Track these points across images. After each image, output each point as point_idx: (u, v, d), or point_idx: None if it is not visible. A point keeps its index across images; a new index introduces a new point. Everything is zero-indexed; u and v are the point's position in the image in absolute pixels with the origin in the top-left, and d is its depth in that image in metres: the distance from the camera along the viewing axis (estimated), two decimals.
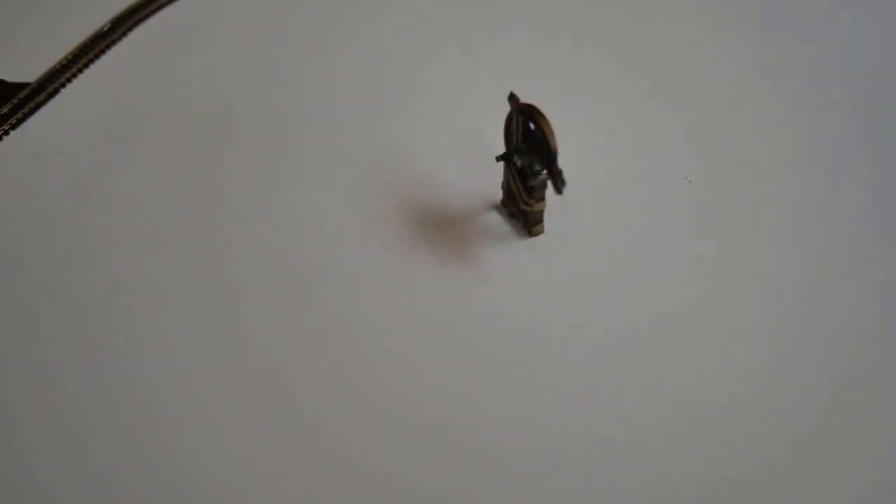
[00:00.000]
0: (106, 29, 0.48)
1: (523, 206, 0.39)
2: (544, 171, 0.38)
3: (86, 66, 0.46)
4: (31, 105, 0.43)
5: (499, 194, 0.41)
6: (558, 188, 0.37)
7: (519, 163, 0.38)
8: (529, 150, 0.38)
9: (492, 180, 0.42)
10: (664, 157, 0.43)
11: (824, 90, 0.46)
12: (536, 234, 0.40)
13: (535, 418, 0.35)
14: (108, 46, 0.47)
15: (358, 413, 0.35)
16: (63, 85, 0.45)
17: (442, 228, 0.40)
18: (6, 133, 0.42)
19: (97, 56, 0.47)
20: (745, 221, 0.40)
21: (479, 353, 0.37)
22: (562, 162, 0.36)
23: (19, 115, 0.43)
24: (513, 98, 0.38)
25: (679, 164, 0.43)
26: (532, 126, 0.37)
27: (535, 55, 0.49)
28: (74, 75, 0.46)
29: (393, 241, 0.40)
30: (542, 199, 0.39)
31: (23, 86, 0.44)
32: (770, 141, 0.44)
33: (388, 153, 0.43)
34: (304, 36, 0.50)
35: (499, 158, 0.39)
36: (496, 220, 0.41)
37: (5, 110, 0.43)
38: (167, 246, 0.40)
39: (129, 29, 0.48)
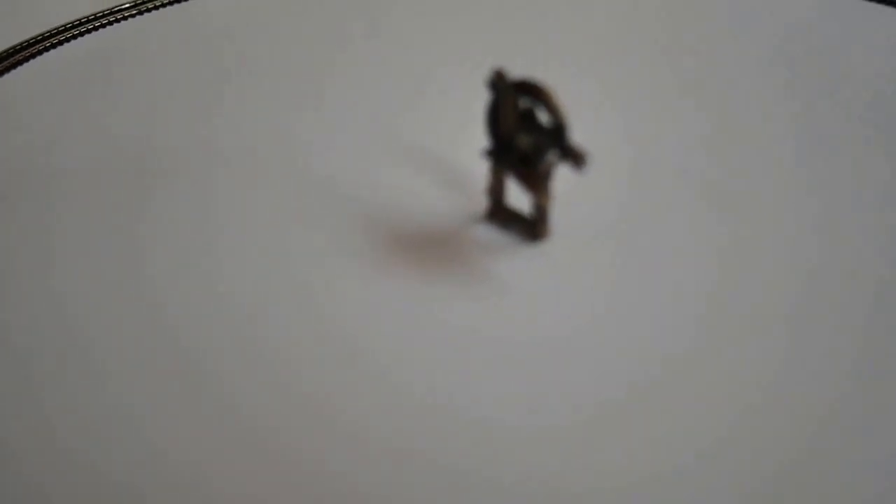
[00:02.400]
0: None
1: (539, 201, 0.33)
2: (550, 155, 0.32)
3: None
4: None
5: (477, 207, 0.35)
6: (579, 164, 0.31)
7: (524, 144, 0.32)
8: (532, 131, 0.32)
9: (465, 192, 0.36)
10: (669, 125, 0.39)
11: None
12: (542, 236, 0.34)
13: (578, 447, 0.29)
14: None
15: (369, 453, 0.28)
16: None
17: (433, 253, 0.34)
18: None
19: None
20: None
21: (515, 370, 0.30)
22: None
23: None
24: (499, 76, 0.32)
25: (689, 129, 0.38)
26: (527, 104, 0.32)
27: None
28: None
29: (379, 275, 0.33)
30: (549, 191, 0.33)
31: None
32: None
33: (336, 184, 0.37)
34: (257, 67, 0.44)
35: (490, 153, 0.33)
36: (488, 233, 0.35)
37: None
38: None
39: None
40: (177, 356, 0.31)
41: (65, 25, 0.46)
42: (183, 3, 0.48)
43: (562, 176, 0.33)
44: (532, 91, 0.32)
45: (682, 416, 0.29)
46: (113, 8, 0.47)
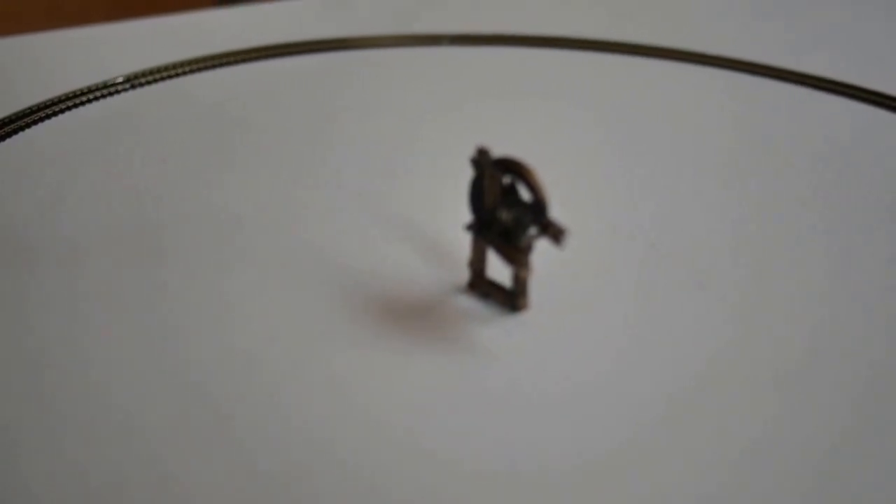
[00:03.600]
0: None
1: (519, 274, 0.34)
2: (531, 230, 0.34)
3: None
4: None
5: (459, 278, 0.37)
6: (558, 239, 0.33)
7: (505, 219, 0.34)
8: (513, 206, 0.34)
9: (448, 264, 0.37)
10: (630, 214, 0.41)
11: None
12: (522, 307, 0.35)
13: None
14: None
15: None
16: None
17: (416, 321, 0.35)
18: None
19: None
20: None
21: (491, 430, 0.31)
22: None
23: None
24: (482, 154, 0.34)
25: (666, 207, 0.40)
26: (509, 181, 0.34)
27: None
28: None
29: (366, 342, 0.34)
30: (529, 264, 0.34)
31: None
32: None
33: (317, 255, 0.38)
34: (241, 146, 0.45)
35: (472, 227, 0.35)
36: (470, 303, 0.36)
37: None
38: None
39: None
40: (193, 402, 0.32)
41: (59, 97, 0.48)
42: (174, 80, 0.50)
43: (541, 250, 0.34)
44: (514, 168, 0.33)
45: (654, 479, 0.30)
46: (106, 81, 0.49)
